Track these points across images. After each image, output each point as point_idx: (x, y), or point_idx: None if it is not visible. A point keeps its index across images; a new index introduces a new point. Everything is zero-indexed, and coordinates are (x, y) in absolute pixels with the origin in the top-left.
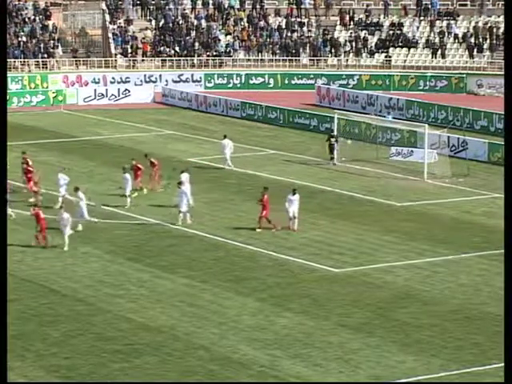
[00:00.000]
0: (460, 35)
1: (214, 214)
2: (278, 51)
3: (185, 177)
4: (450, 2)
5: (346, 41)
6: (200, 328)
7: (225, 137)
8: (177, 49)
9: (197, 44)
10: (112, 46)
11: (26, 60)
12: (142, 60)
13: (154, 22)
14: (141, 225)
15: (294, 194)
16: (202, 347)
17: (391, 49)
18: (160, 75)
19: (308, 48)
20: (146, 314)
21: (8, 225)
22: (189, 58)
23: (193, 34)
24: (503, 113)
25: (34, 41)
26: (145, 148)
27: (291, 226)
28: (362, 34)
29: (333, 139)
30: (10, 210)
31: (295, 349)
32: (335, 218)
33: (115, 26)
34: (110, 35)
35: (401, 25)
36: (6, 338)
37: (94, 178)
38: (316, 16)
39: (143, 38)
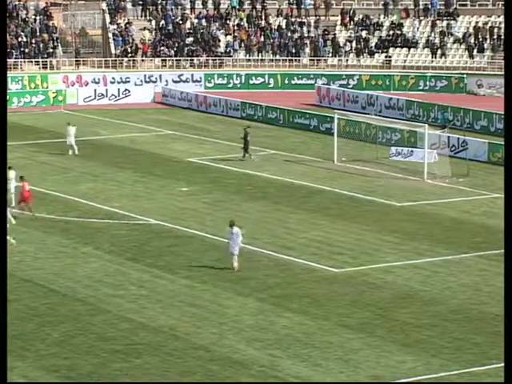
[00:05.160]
0: (460, 35)
1: (214, 214)
2: (278, 51)
3: (12, 174)
4: (450, 2)
5: (346, 41)
6: (200, 328)
7: (69, 124)
8: (177, 49)
9: (197, 44)
10: (112, 45)
11: (25, 60)
12: (142, 60)
13: (154, 22)
14: (141, 225)
15: (231, 226)
16: (201, 347)
17: (391, 49)
18: (160, 75)
19: (308, 48)
20: (145, 314)
21: (8, 225)
22: (189, 58)
23: (193, 34)
24: (503, 113)
25: (34, 41)
26: (145, 148)
27: (233, 263)
28: (363, 34)
29: (249, 129)
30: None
31: (295, 349)
32: (335, 217)
33: (115, 26)
34: (110, 35)
35: (401, 25)
36: (6, 338)
37: (94, 178)
38: (316, 16)
39: (143, 39)
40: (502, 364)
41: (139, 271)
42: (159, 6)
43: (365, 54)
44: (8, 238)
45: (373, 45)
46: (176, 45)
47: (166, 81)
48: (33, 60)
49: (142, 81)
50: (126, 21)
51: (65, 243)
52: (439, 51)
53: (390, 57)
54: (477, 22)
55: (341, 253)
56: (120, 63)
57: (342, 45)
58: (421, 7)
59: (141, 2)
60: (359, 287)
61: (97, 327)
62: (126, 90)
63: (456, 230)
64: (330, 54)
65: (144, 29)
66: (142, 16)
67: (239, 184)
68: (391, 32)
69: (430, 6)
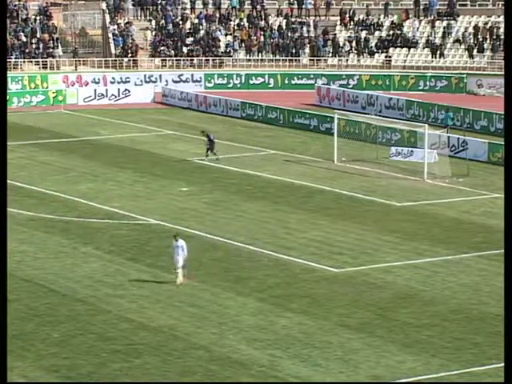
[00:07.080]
0: (460, 35)
1: (214, 214)
2: (277, 51)
3: None
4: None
5: (346, 41)
6: (200, 328)
7: None
8: (176, 49)
9: (197, 44)
10: (112, 45)
11: (25, 60)
12: (142, 60)
13: (154, 22)
14: (141, 225)
15: (176, 239)
16: (201, 347)
17: (391, 49)
18: (160, 75)
19: (308, 48)
20: (145, 314)
21: (8, 225)
22: (189, 58)
23: (193, 34)
24: (503, 113)
25: (34, 41)
26: (145, 148)
27: (180, 277)
28: (362, 34)
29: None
30: None
31: (295, 349)
32: (335, 218)
33: (115, 26)
34: (110, 35)
35: (401, 25)
36: (6, 338)
37: (94, 178)
38: (316, 16)
39: (143, 39)
40: (502, 364)
41: (139, 271)
42: (159, 6)
43: (365, 54)
44: None
45: (373, 45)
46: (176, 45)
47: (166, 81)
48: (33, 60)
49: (142, 81)
50: (126, 21)
51: (65, 243)
52: (439, 51)
53: (390, 57)
54: (477, 22)
55: (341, 253)
56: (120, 63)
57: (341, 45)
58: (421, 7)
59: (140, 2)
60: (359, 287)
61: (97, 327)
62: (126, 90)
63: (456, 230)
64: (330, 54)
65: (146, 29)
66: (142, 16)
67: (239, 184)
68: (391, 32)
69: (429, 6)
